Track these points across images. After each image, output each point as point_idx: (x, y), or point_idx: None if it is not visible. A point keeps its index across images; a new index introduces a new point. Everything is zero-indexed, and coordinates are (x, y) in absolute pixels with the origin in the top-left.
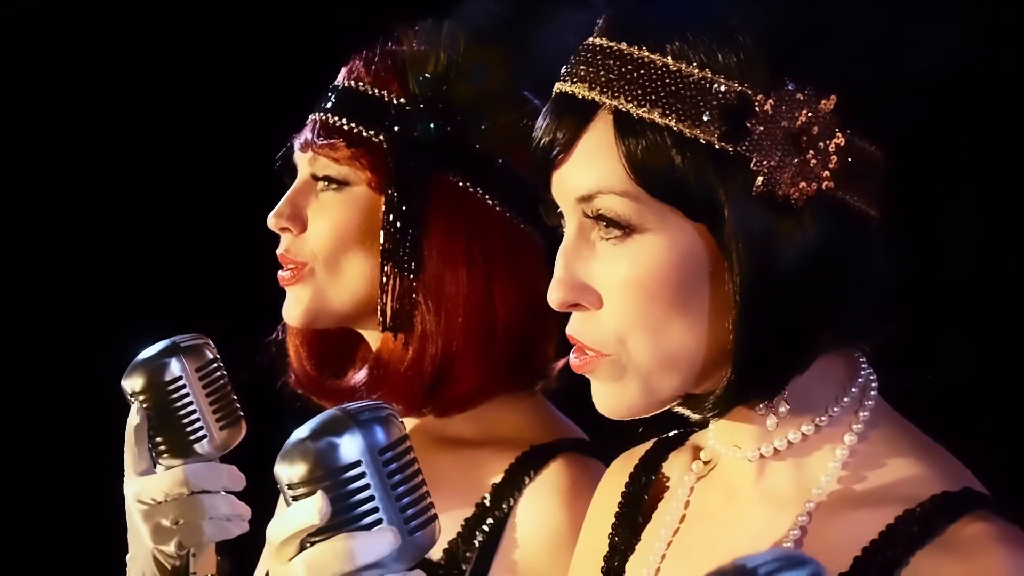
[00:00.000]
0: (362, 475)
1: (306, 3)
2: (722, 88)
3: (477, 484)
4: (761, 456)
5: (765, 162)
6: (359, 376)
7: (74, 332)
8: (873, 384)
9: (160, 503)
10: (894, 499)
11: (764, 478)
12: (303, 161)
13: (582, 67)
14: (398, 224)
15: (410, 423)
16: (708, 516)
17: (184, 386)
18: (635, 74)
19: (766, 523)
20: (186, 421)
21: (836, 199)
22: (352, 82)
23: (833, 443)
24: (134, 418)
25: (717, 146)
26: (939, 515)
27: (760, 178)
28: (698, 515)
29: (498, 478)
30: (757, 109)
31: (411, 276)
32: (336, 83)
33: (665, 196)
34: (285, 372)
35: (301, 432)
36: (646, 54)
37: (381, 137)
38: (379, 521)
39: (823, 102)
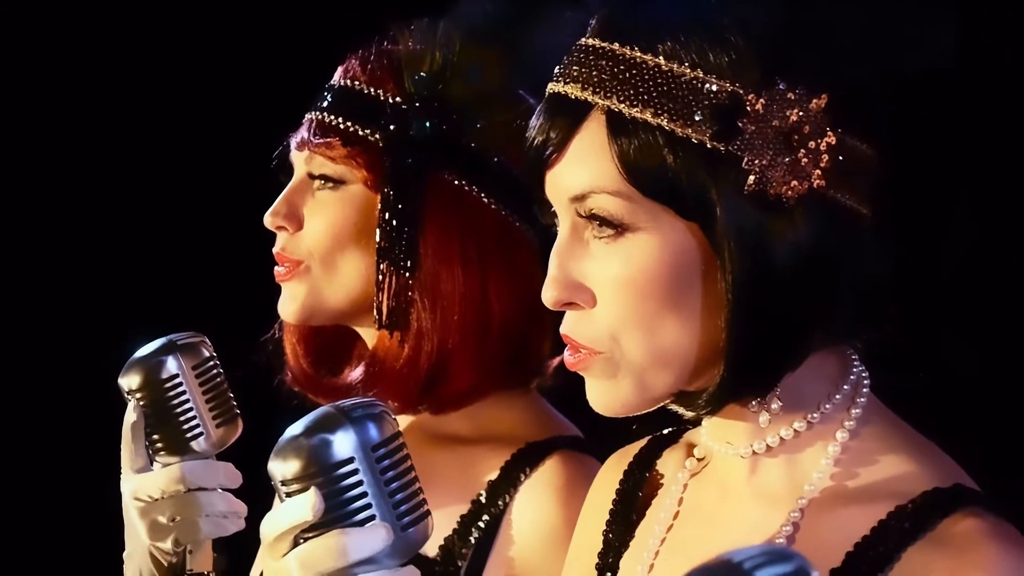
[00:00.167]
0: (355, 471)
1: (302, 3)
2: (714, 88)
3: (473, 481)
4: (754, 453)
5: (757, 161)
6: (355, 374)
7: (71, 330)
8: (865, 381)
9: (157, 500)
10: (886, 495)
11: (757, 475)
12: (299, 160)
13: (575, 67)
14: (394, 222)
15: (406, 420)
16: (701, 513)
17: (180, 384)
18: (627, 74)
19: (759, 520)
20: (183, 419)
21: (827, 198)
22: (348, 81)
23: (825, 440)
24: (131, 416)
25: (709, 145)
26: (930, 511)
27: (752, 177)
28: (691, 512)
29: (494, 475)
30: (748, 108)
31: (407, 274)
32: (332, 82)
33: (657, 195)
34: (282, 370)
35: (295, 429)
36: (638, 54)
37: (377, 136)
38: (372, 517)
39: (814, 101)
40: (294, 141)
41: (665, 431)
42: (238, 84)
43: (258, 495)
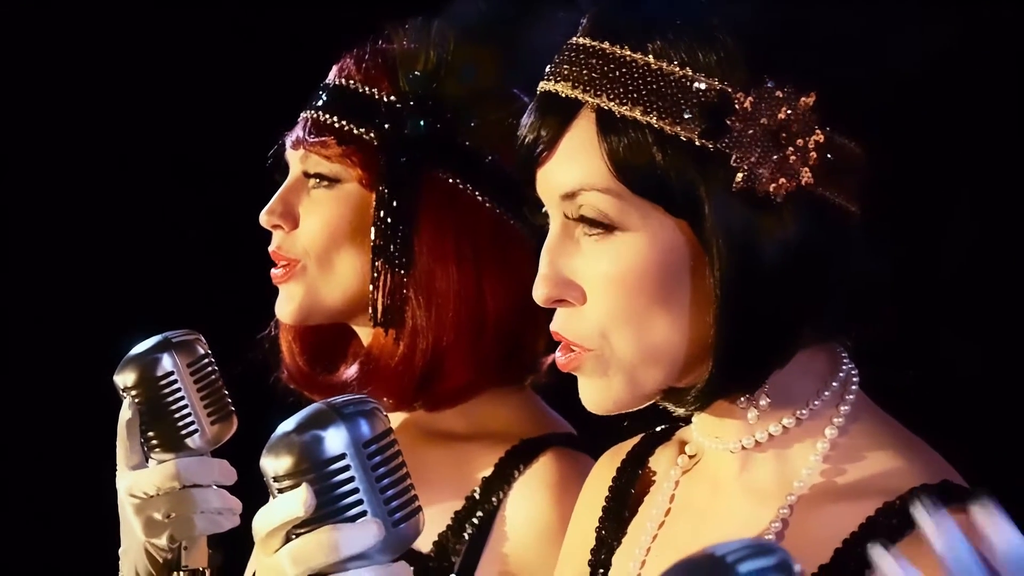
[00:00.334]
0: (347, 468)
1: (298, 2)
2: (702, 86)
3: (467, 478)
4: (743, 448)
5: (745, 159)
6: (351, 371)
7: (66, 328)
8: (854, 378)
9: (152, 497)
10: (874, 492)
11: (747, 471)
12: (295, 159)
13: (565, 66)
14: (389, 220)
15: (400, 417)
16: (692, 509)
17: (175, 381)
18: (617, 73)
19: (749, 516)
20: (177, 416)
21: (816, 195)
22: (343, 80)
23: (814, 437)
24: (126, 413)
25: (698, 143)
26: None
27: (740, 174)
28: (683, 508)
29: (488, 472)
30: (737, 106)
31: (402, 272)
32: (327, 81)
33: (647, 193)
34: (277, 367)
35: (286, 425)
36: (628, 53)
37: (372, 134)
38: (363, 513)
39: (802, 99)
40: (289, 140)
41: (658, 429)
42: (234, 83)
43: (253, 492)
